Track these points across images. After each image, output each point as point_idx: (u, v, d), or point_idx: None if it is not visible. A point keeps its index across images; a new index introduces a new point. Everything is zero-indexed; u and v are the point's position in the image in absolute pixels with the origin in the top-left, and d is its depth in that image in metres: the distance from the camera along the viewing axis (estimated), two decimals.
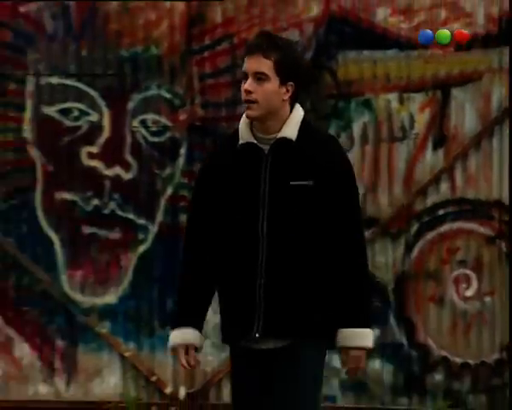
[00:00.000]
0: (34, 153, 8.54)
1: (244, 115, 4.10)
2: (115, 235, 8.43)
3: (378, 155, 8.26)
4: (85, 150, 8.42)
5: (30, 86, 8.51)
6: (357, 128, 8.25)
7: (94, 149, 8.41)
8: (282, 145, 4.01)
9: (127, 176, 8.32)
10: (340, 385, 8.17)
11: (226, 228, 4.07)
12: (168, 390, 8.32)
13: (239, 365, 4.14)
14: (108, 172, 8.38)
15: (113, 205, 8.42)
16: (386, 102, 8.26)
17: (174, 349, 4.12)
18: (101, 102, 8.46)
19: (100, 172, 8.39)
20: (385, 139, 8.26)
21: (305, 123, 4.07)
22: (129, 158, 8.37)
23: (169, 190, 8.39)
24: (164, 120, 8.40)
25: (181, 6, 8.33)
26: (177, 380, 8.36)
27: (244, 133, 4.07)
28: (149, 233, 8.42)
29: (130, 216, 8.42)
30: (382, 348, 8.05)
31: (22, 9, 8.50)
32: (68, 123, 8.44)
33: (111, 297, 8.46)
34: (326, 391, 7.86)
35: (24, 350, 8.52)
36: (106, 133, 8.43)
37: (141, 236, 8.39)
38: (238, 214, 4.04)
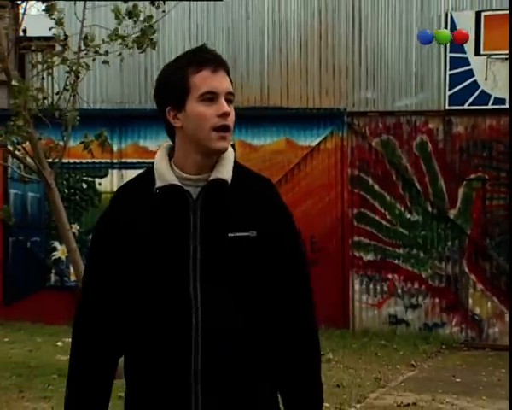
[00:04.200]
0: None
1: (162, 151, 2.57)
2: None
3: None
4: None
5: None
6: None
7: None
8: (215, 188, 2.50)
9: None
10: None
11: (141, 299, 2.48)
12: None
13: None
14: None
15: None
16: None
17: None
18: None
19: None
20: None
21: (235, 162, 2.58)
22: None
23: None
24: None
25: None
26: None
27: (164, 173, 2.50)
28: None
29: None
30: None
31: None
32: None
33: None
34: None
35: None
36: None
37: None
38: (159, 279, 2.46)
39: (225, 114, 2.47)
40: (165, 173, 2.51)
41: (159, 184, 2.51)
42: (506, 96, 10.89)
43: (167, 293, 2.46)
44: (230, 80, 2.52)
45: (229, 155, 2.55)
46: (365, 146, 11.71)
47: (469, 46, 11.17)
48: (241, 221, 2.50)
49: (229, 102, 2.49)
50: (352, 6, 11.87)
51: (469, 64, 11.26)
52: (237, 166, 2.57)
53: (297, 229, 2.62)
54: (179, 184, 2.50)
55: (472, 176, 11.37)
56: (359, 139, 11.68)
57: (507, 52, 10.74)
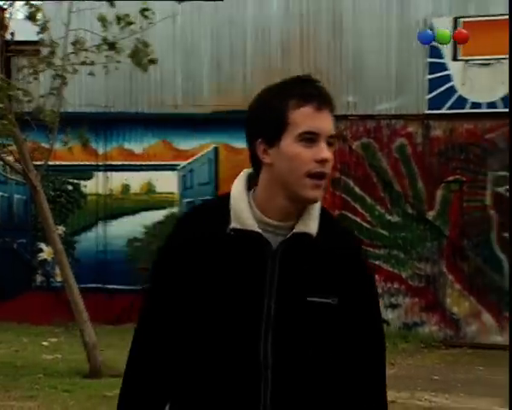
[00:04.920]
0: (492, 214, 11.07)
1: (240, 182, 2.23)
2: None
3: None
4: None
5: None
6: None
7: None
8: (299, 242, 2.18)
9: None
10: None
11: (203, 349, 2.19)
12: None
13: None
14: None
15: None
16: None
17: None
18: None
19: None
20: None
21: (322, 210, 2.24)
22: None
23: None
24: None
25: None
26: None
27: (243, 216, 2.18)
28: None
29: None
30: None
31: (487, 136, 11.16)
32: None
33: None
34: None
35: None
36: None
37: None
38: (225, 332, 2.17)
39: (324, 161, 2.15)
40: (244, 216, 2.18)
41: (234, 224, 2.18)
42: (482, 100, 11.16)
43: (234, 350, 2.17)
44: (335, 119, 2.20)
45: (318, 203, 2.22)
46: (346, 149, 11.76)
47: (447, 51, 11.27)
48: (322, 284, 2.19)
49: (329, 145, 2.17)
50: (333, 11, 11.91)
51: (447, 69, 11.36)
52: (324, 216, 2.23)
53: (377, 296, 2.35)
54: (259, 231, 2.17)
55: (450, 178, 11.47)
56: (340, 142, 11.66)
57: (483, 57, 10.93)
